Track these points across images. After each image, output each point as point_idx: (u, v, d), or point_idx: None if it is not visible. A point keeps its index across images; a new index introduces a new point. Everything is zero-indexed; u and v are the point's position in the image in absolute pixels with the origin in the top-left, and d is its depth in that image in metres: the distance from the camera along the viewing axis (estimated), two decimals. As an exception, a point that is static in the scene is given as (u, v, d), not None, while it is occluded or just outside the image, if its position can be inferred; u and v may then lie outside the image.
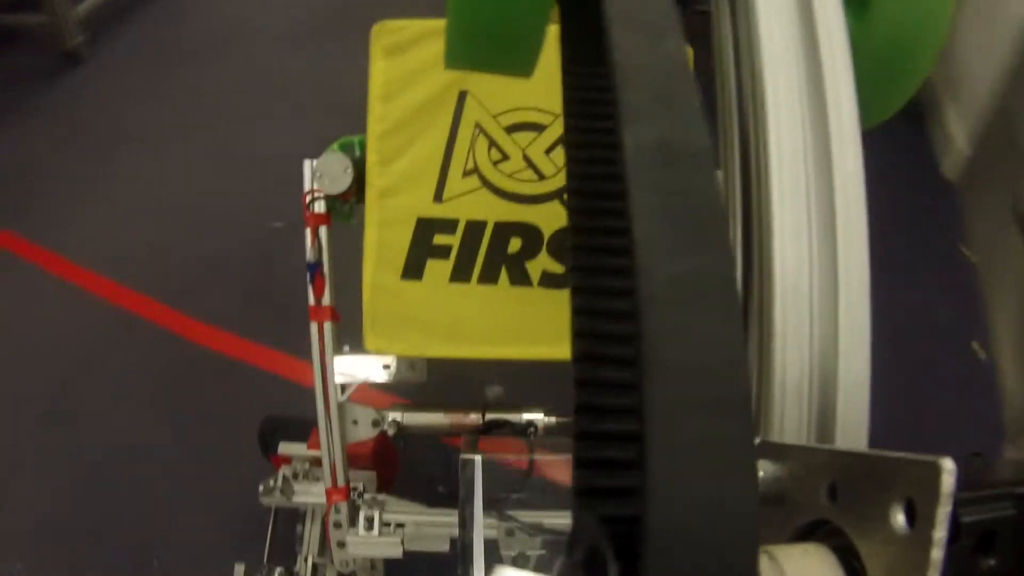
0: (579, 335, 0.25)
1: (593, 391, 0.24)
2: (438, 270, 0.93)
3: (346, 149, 0.92)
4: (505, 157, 0.93)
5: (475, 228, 0.93)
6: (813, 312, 0.30)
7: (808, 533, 0.26)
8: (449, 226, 0.93)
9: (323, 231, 0.93)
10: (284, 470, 1.06)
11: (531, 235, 0.92)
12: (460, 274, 0.93)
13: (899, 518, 0.22)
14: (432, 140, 0.93)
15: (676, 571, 0.20)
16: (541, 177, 0.92)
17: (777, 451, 0.28)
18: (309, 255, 0.92)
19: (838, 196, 0.33)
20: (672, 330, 0.23)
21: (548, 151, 0.92)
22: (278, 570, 1.03)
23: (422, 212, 0.93)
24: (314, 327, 0.92)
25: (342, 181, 0.88)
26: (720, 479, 0.21)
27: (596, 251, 0.28)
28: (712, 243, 0.26)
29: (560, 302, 0.93)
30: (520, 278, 0.92)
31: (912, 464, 0.21)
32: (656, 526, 0.20)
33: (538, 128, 0.92)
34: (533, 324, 0.93)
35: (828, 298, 0.30)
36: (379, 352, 0.94)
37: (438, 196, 0.93)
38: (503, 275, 0.93)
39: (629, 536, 0.21)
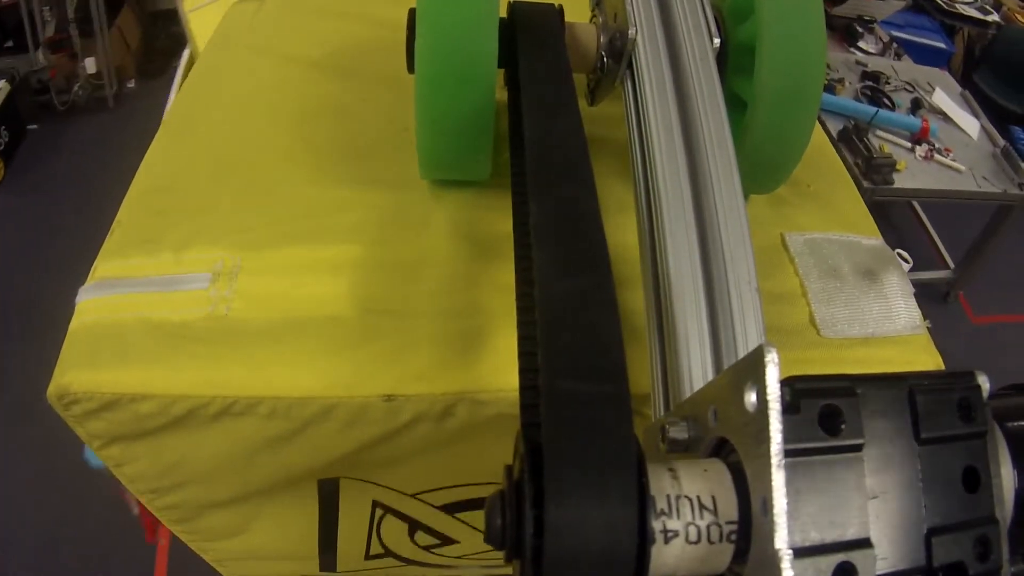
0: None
1: (526, 377, 0.33)
2: None
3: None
4: (449, 541, 0.67)
5: None
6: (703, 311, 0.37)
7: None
8: None
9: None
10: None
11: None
12: None
13: (751, 398, 0.27)
14: (282, 521, 0.63)
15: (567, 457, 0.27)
16: None
17: (682, 409, 0.34)
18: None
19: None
20: (562, 324, 0.32)
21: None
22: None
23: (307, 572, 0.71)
24: None
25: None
26: (592, 382, 0.29)
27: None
28: (595, 267, 0.35)
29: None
30: None
31: (749, 357, 0.28)
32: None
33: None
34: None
35: (721, 300, 0.38)
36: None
37: (328, 567, 0.69)
38: None
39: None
